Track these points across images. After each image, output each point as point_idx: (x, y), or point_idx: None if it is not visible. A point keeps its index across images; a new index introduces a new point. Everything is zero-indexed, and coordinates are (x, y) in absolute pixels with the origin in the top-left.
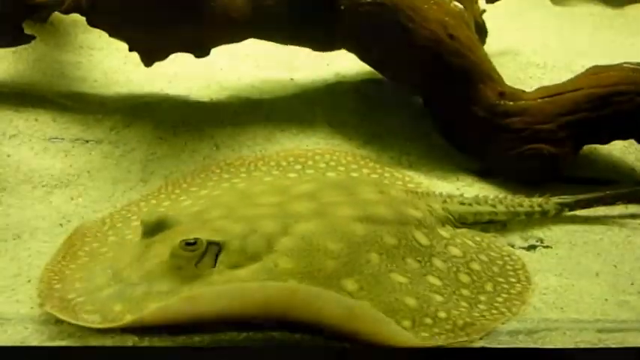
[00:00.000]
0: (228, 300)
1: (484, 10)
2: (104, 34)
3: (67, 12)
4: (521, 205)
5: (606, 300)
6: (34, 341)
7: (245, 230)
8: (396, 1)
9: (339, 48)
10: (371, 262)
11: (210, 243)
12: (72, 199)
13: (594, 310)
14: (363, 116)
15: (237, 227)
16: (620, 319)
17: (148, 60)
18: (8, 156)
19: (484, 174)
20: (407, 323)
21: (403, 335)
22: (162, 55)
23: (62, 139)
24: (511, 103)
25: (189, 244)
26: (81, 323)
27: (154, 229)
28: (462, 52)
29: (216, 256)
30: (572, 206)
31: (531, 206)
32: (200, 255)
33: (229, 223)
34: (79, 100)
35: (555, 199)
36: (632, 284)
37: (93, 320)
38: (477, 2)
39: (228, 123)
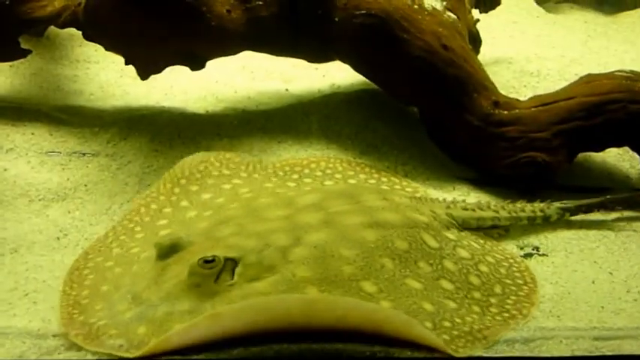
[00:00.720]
0: (252, 315)
1: (478, 20)
2: (100, 48)
3: (63, 26)
4: (523, 211)
5: (602, 308)
6: (32, 355)
7: (259, 245)
8: (390, 13)
9: (333, 59)
10: (386, 267)
11: (227, 259)
12: (69, 212)
13: (590, 318)
14: (359, 127)
15: (251, 242)
16: (617, 327)
17: (144, 73)
18: (5, 170)
19: (481, 183)
20: (428, 325)
21: (430, 337)
22: (158, 68)
23: (59, 152)
24: (505, 112)
25: (208, 262)
26: (108, 351)
27: (168, 251)
28: (456, 62)
29: (233, 271)
30: (574, 211)
31: (533, 211)
32: (218, 272)
33: (242, 239)
34: (75, 113)
35: (557, 204)
36: (628, 292)
37: (120, 346)
38: (470, 12)
39: (225, 135)
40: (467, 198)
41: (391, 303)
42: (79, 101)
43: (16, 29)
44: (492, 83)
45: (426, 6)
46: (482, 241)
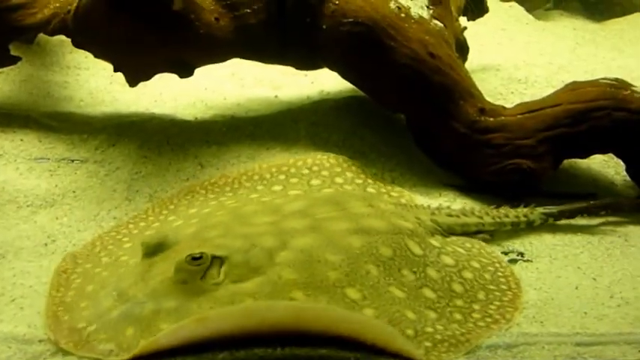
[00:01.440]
0: (240, 319)
1: (465, 28)
2: (90, 54)
3: (53, 33)
4: (507, 216)
5: (585, 313)
6: None
7: (246, 245)
8: (377, 21)
9: (321, 67)
10: (370, 274)
11: (214, 257)
12: (57, 218)
13: (573, 324)
14: (347, 133)
15: (238, 243)
16: (599, 333)
17: (133, 80)
18: None
19: (467, 189)
20: (410, 332)
21: (411, 350)
22: (147, 76)
23: (48, 159)
24: (491, 119)
25: (195, 259)
26: (99, 356)
27: (155, 249)
28: (442, 70)
29: (220, 269)
30: (557, 216)
31: (517, 216)
32: (205, 269)
33: (229, 240)
34: (65, 119)
35: (540, 209)
36: (612, 297)
37: (110, 351)
38: (457, 20)
39: (213, 142)
40: (453, 204)
41: (375, 310)
42: (69, 108)
43: (5, 36)
44: (478, 90)
45: (413, 14)
46: (468, 245)
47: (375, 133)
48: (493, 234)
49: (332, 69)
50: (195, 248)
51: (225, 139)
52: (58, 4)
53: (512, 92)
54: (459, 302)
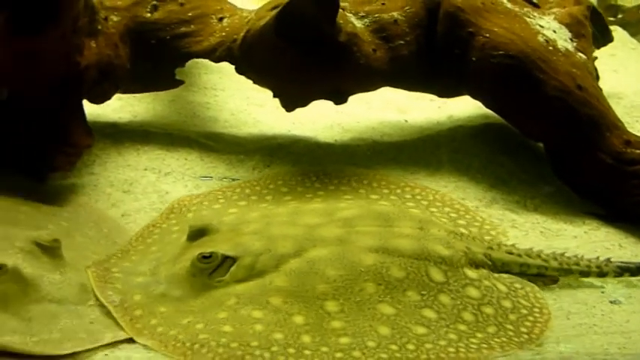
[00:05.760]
0: None
1: (596, 57)
2: (224, 75)
3: (218, 60)
4: (577, 264)
5: None
6: None
7: (261, 249)
8: (527, 54)
9: (462, 94)
10: (364, 291)
11: (225, 257)
12: None
13: None
14: (486, 161)
15: (257, 244)
16: None
17: (290, 106)
18: (167, 193)
19: (610, 219)
20: (371, 344)
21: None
22: (305, 102)
23: (211, 177)
24: (638, 151)
25: (205, 257)
26: (102, 299)
27: (197, 234)
28: (590, 102)
29: (229, 269)
30: (635, 272)
31: (588, 266)
32: (215, 267)
33: (253, 240)
34: (217, 140)
35: (616, 263)
36: None
37: (112, 301)
38: (594, 51)
39: (361, 165)
40: (597, 232)
41: (344, 324)
42: (216, 128)
43: (173, 62)
44: (622, 122)
45: (560, 47)
46: (518, 286)
47: (513, 160)
48: (557, 279)
49: (476, 98)
50: (223, 242)
51: (371, 163)
52: (224, 33)
53: (637, 121)
54: (462, 327)
